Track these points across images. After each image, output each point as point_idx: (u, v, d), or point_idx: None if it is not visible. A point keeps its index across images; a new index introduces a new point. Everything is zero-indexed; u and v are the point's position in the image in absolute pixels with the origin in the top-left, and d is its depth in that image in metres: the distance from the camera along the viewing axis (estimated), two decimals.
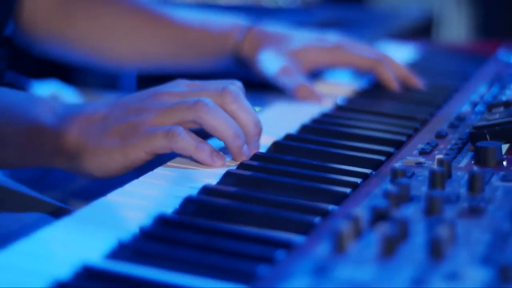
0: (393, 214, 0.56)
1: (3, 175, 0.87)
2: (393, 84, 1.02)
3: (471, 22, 2.20)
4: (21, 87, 1.16)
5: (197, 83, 0.79)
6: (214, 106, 0.73)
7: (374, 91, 1.03)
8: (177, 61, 1.12)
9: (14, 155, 0.75)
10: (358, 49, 1.04)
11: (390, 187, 0.61)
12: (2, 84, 1.05)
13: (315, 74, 1.08)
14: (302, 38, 1.04)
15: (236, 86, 0.77)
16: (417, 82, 1.04)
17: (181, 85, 0.77)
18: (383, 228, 0.52)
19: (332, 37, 1.06)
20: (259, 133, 0.76)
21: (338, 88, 1.06)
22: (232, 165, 0.73)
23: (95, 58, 1.12)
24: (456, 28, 2.32)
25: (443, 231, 0.52)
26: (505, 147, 0.73)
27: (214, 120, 0.72)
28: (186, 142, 0.72)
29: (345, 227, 0.53)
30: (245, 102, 0.76)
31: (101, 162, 0.72)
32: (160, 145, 0.71)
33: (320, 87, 1.04)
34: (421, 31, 1.86)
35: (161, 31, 1.09)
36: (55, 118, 0.74)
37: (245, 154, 0.74)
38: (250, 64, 1.05)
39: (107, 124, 0.73)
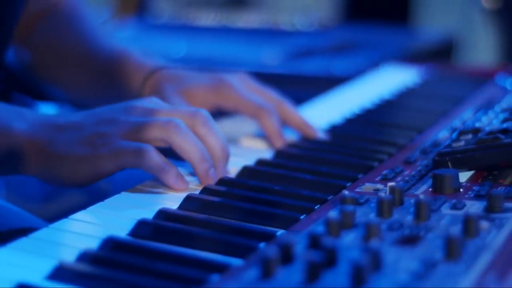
0: (326, 241, 0.57)
1: None
2: (276, 139, 0.90)
3: (497, 45, 2.18)
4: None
5: (170, 103, 0.80)
6: (185, 128, 0.75)
7: (361, 115, 1.04)
8: (103, 98, 1.12)
9: None
10: (250, 92, 0.94)
11: (331, 214, 0.62)
12: None
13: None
14: (197, 78, 0.97)
15: (205, 113, 0.78)
16: (314, 131, 0.93)
17: (153, 102, 0.79)
18: (309, 255, 0.53)
19: (229, 77, 0.96)
20: (226, 157, 0.78)
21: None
22: (199, 189, 0.75)
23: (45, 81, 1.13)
24: (482, 51, 2.30)
25: (366, 259, 0.53)
26: (467, 175, 0.74)
27: (183, 141, 0.75)
28: (154, 162, 0.73)
29: (273, 252, 0.54)
30: (215, 127, 0.78)
31: (70, 171, 0.74)
32: (128, 161, 0.73)
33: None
34: (440, 53, 1.86)
35: (90, 64, 1.08)
36: (25, 124, 0.76)
37: (211, 178, 0.76)
38: None
39: (77, 133, 0.75)
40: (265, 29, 1.92)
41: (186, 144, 0.75)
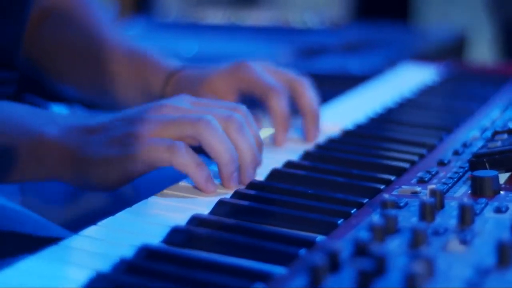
0: (374, 248, 0.55)
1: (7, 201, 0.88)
2: (279, 122, 0.87)
3: (504, 43, 2.16)
4: None
5: (202, 101, 0.78)
6: (216, 126, 0.73)
7: (385, 115, 1.02)
8: (118, 97, 1.10)
9: (15, 167, 0.75)
10: (266, 73, 0.90)
11: (375, 219, 0.60)
12: None
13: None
14: (213, 69, 0.94)
15: (242, 114, 0.76)
16: (314, 132, 0.90)
17: (185, 101, 0.77)
18: (359, 263, 0.51)
19: (249, 61, 0.92)
20: (255, 164, 0.76)
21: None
22: (227, 192, 0.73)
23: (59, 83, 1.11)
24: (490, 48, 2.28)
25: (420, 266, 0.51)
26: (504, 176, 0.72)
27: (213, 139, 0.72)
28: (187, 159, 0.72)
29: (321, 260, 0.52)
30: (248, 133, 0.75)
31: (101, 173, 0.72)
32: (161, 158, 0.71)
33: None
34: (452, 51, 1.84)
35: (105, 63, 1.07)
36: (55, 129, 0.74)
37: (234, 182, 0.74)
38: None
39: (107, 135, 0.73)
40: (276, 27, 1.89)
41: (215, 143, 0.72)
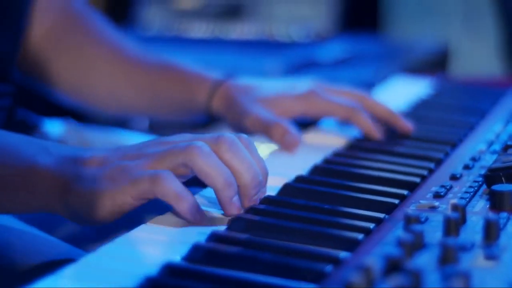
0: (406, 263, 0.55)
1: (14, 218, 0.86)
2: (374, 133, 0.95)
3: (493, 55, 2.18)
4: (33, 125, 1.15)
5: (201, 136, 0.76)
6: (207, 151, 0.69)
7: (388, 128, 1.02)
8: (152, 110, 1.09)
9: (7, 198, 0.73)
10: (334, 95, 0.97)
11: (403, 234, 0.59)
12: (14, 122, 1.04)
13: (307, 124, 1.02)
14: (273, 86, 0.98)
15: (237, 136, 0.73)
16: (406, 125, 0.97)
17: (186, 137, 0.75)
18: (397, 279, 0.51)
19: (304, 83, 0.98)
20: (256, 186, 0.71)
21: (331, 138, 0.99)
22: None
23: (75, 97, 1.11)
24: (474, 60, 2.30)
25: (458, 282, 0.50)
26: None
27: (205, 164, 0.68)
28: (169, 188, 0.67)
29: (357, 277, 0.51)
30: (242, 152, 0.71)
31: (91, 207, 0.69)
32: (144, 189, 0.68)
33: (312, 137, 0.99)
34: (436, 64, 1.85)
35: (134, 78, 1.07)
36: (48, 158, 0.72)
37: (235, 207, 0.70)
38: (223, 119, 1.01)
39: (102, 169, 0.71)
40: (261, 41, 1.89)
41: (206, 168, 0.68)
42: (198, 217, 0.69)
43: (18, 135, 0.76)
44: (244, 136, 0.74)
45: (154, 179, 0.68)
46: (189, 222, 0.69)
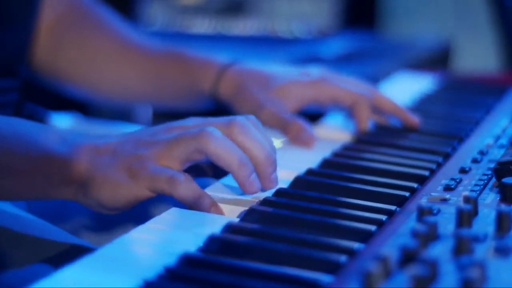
0: (422, 254, 0.55)
1: (21, 209, 0.87)
2: (364, 125, 0.96)
3: (494, 51, 2.18)
4: (40, 119, 1.16)
5: (209, 120, 0.78)
6: (218, 134, 0.71)
7: (392, 123, 1.02)
8: (157, 98, 1.09)
9: (22, 185, 0.74)
10: (344, 83, 0.98)
11: (418, 226, 0.60)
12: (22, 116, 1.05)
13: (315, 117, 1.04)
14: (285, 74, 0.99)
15: (248, 119, 0.75)
16: (413, 119, 0.98)
17: (195, 121, 0.76)
18: (414, 269, 0.52)
19: (315, 71, 1.00)
20: (271, 164, 0.73)
21: (339, 133, 1.00)
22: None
23: (82, 87, 1.11)
24: (475, 57, 2.31)
25: (475, 272, 0.51)
26: None
27: (217, 148, 0.70)
28: (186, 192, 0.70)
29: (374, 267, 0.52)
30: (254, 133, 0.73)
31: (108, 195, 0.72)
32: (161, 188, 0.71)
33: (320, 132, 0.99)
34: (438, 60, 1.86)
35: (140, 65, 1.07)
36: (64, 147, 0.73)
37: (255, 186, 0.72)
38: (230, 106, 1.01)
39: (116, 157, 0.72)
40: (263, 37, 1.90)
41: (220, 151, 0.70)
42: (219, 211, 0.71)
43: (33, 123, 0.77)
44: (252, 117, 0.76)
45: (171, 182, 0.70)
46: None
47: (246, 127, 0.73)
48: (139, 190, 0.71)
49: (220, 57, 1.02)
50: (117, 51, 1.08)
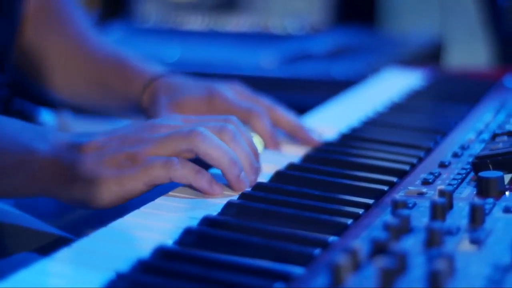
0: (392, 246, 0.56)
1: (5, 204, 0.87)
2: (269, 141, 0.91)
3: (487, 48, 2.18)
4: (29, 115, 1.16)
5: (193, 118, 0.79)
6: (210, 135, 0.73)
7: (378, 119, 1.03)
8: (103, 106, 1.07)
9: (6, 183, 0.74)
10: (240, 98, 0.94)
11: (390, 219, 0.61)
12: (11, 112, 1.05)
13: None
14: (190, 89, 0.96)
15: (234, 124, 0.77)
16: (312, 138, 0.92)
17: (177, 120, 0.77)
18: (382, 261, 0.52)
19: (220, 87, 0.95)
20: (254, 172, 0.76)
21: (322, 128, 0.97)
22: (233, 195, 0.73)
23: (44, 90, 1.10)
24: (468, 53, 2.31)
25: (442, 264, 0.51)
26: (508, 177, 0.73)
27: (209, 148, 0.73)
28: (185, 170, 0.72)
29: (343, 260, 0.53)
30: (243, 142, 0.76)
31: (95, 192, 0.72)
32: (158, 175, 0.71)
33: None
34: (430, 56, 1.86)
35: (87, 72, 1.04)
36: (47, 146, 0.73)
37: (244, 183, 0.74)
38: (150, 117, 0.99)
39: (102, 154, 0.73)
40: (256, 33, 1.90)
41: (212, 150, 0.73)
42: (218, 190, 0.73)
43: (15, 120, 0.77)
44: (235, 119, 0.78)
45: (167, 165, 0.71)
46: (210, 195, 0.73)
47: (236, 135, 0.76)
48: (132, 185, 0.71)
49: (156, 68, 1.01)
50: (69, 55, 1.07)
